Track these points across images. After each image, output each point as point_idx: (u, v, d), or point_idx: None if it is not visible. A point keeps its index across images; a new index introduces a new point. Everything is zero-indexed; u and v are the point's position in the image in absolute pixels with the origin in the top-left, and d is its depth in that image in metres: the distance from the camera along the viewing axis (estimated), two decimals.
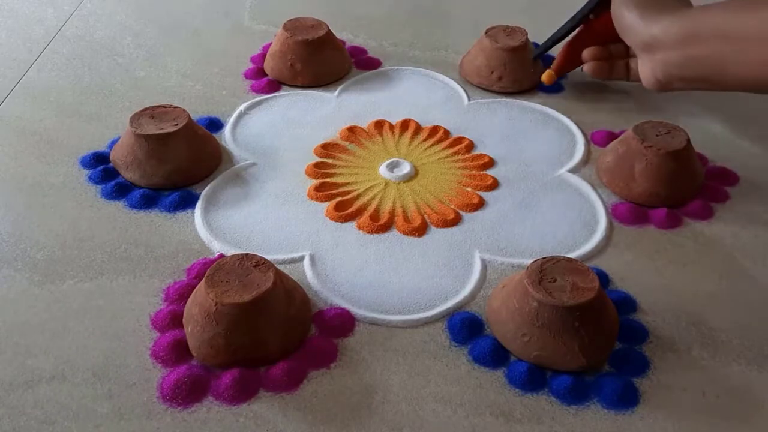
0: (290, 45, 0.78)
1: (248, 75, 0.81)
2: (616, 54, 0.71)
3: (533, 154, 0.70)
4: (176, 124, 0.65)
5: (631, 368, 0.50)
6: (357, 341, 0.52)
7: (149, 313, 0.54)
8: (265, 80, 0.80)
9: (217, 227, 0.61)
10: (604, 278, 0.57)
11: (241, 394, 0.48)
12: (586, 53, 0.67)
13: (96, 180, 0.66)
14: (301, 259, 0.59)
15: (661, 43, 0.56)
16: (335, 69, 0.81)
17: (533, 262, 0.52)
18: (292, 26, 0.79)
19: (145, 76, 0.81)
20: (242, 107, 0.76)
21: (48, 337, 0.52)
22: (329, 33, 0.80)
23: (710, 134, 0.73)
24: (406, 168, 0.67)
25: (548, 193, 0.66)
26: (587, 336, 0.49)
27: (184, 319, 0.52)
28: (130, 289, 0.56)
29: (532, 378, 0.49)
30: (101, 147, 0.70)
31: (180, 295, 0.55)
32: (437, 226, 0.62)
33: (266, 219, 0.63)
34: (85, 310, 0.54)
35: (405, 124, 0.74)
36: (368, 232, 0.61)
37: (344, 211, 0.63)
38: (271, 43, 0.82)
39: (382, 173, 0.67)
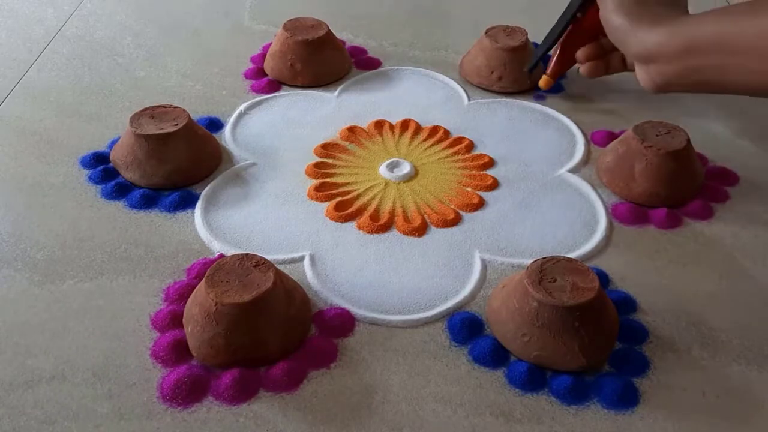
0: (290, 45, 0.78)
1: (248, 75, 0.81)
2: (610, 47, 0.69)
3: (533, 154, 0.70)
4: (176, 124, 0.65)
5: (631, 368, 0.50)
6: (357, 341, 0.52)
7: (149, 313, 0.54)
8: (265, 80, 0.80)
9: (217, 227, 0.61)
10: (604, 278, 0.57)
11: (241, 394, 0.48)
12: (581, 54, 0.66)
13: (96, 180, 0.66)
14: (301, 259, 0.59)
15: (658, 56, 0.54)
16: (335, 69, 0.81)
17: (533, 262, 0.52)
18: (292, 26, 0.79)
19: (145, 76, 0.81)
20: (242, 107, 0.76)
21: (48, 337, 0.52)
22: (329, 33, 0.80)
23: (710, 134, 0.73)
24: (406, 168, 0.67)
25: (548, 193, 0.66)
26: (587, 336, 0.49)
27: (184, 319, 0.52)
28: (130, 289, 0.56)
29: (532, 378, 0.49)
30: (101, 147, 0.70)
31: (180, 295, 0.55)
32: (437, 226, 0.62)
33: (266, 219, 0.63)
34: (85, 310, 0.54)
35: (405, 124, 0.74)
36: (368, 232, 0.61)
37: (344, 211, 0.63)
38: (271, 43, 0.82)
39: (382, 173, 0.67)
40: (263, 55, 0.83)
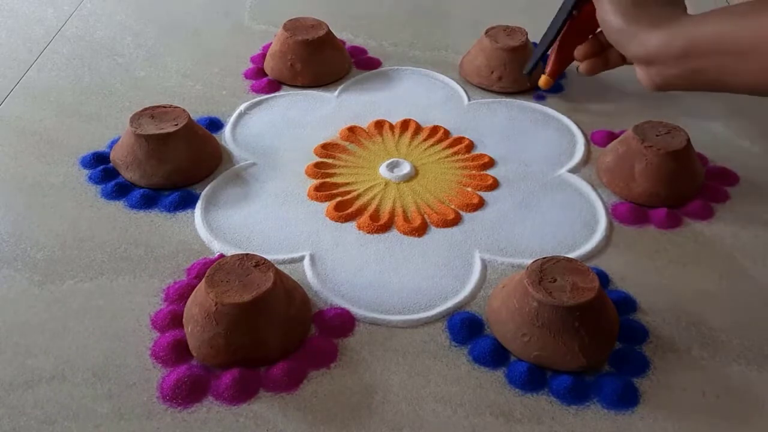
0: (290, 45, 0.78)
1: (248, 75, 0.81)
2: (608, 43, 0.68)
3: (533, 154, 0.70)
4: (176, 124, 0.65)
5: (631, 368, 0.50)
6: (357, 341, 0.52)
7: (149, 313, 0.54)
8: (265, 80, 0.80)
9: (217, 227, 0.61)
10: (604, 278, 0.57)
11: (241, 394, 0.48)
12: (579, 53, 0.66)
13: (96, 180, 0.66)
14: (301, 259, 0.59)
15: (659, 58, 0.53)
16: (335, 69, 0.81)
17: (533, 262, 0.52)
18: (292, 26, 0.79)
19: (145, 76, 0.81)
20: (242, 107, 0.76)
21: (48, 337, 0.52)
22: (329, 33, 0.80)
23: (710, 134, 0.73)
24: (406, 168, 0.67)
25: (548, 193, 0.66)
26: (587, 336, 0.49)
27: (184, 319, 0.52)
28: (130, 289, 0.56)
29: (532, 378, 0.49)
30: (101, 147, 0.70)
31: (180, 295, 0.55)
32: (437, 226, 0.62)
33: (266, 219, 0.63)
34: (85, 310, 0.54)
35: (405, 124, 0.74)
36: (368, 232, 0.61)
37: (344, 211, 0.63)
38: (271, 43, 0.82)
39: (382, 173, 0.67)
40: (263, 55, 0.83)
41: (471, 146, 0.71)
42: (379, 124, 0.74)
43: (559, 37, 0.67)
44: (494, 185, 0.66)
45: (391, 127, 0.74)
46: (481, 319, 0.54)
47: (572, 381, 0.49)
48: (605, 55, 0.64)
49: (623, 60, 0.68)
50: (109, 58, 0.84)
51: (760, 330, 0.53)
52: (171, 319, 0.53)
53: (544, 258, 0.52)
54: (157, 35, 0.88)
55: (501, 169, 0.68)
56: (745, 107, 0.77)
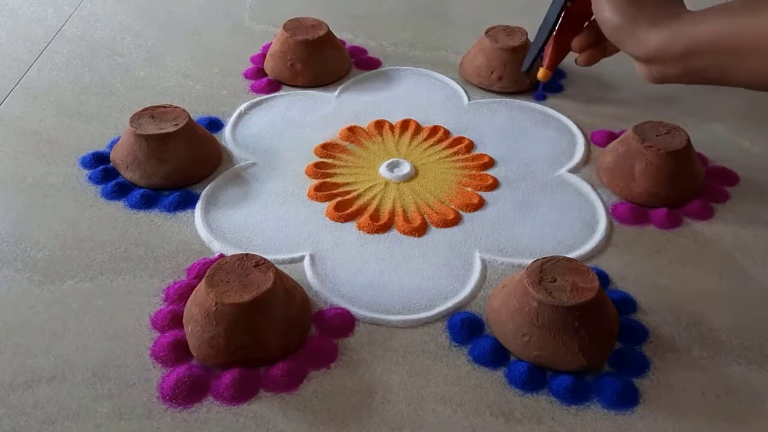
0: (290, 45, 0.78)
1: (248, 75, 0.81)
2: None
3: (533, 154, 0.70)
4: (176, 124, 0.65)
5: (631, 368, 0.50)
6: (357, 341, 0.52)
7: (149, 313, 0.54)
8: (265, 80, 0.80)
9: (217, 227, 0.61)
10: (604, 278, 0.57)
11: (241, 394, 0.48)
12: (576, 45, 0.65)
13: (96, 180, 0.66)
14: (301, 259, 0.59)
15: (659, 58, 0.53)
16: (335, 69, 0.81)
17: (533, 262, 0.52)
18: (292, 26, 0.79)
19: (145, 76, 0.81)
20: (242, 107, 0.76)
21: (48, 337, 0.52)
22: (329, 33, 0.80)
23: (710, 134, 0.73)
24: (406, 168, 0.67)
25: (548, 193, 0.66)
26: (587, 336, 0.49)
27: (184, 319, 0.52)
28: (130, 289, 0.56)
29: (532, 378, 0.49)
30: (101, 147, 0.70)
31: (180, 295, 0.55)
32: (437, 226, 0.62)
33: (266, 219, 0.63)
34: (85, 310, 0.54)
35: (405, 124, 0.74)
36: (368, 232, 0.61)
37: (344, 211, 0.63)
38: (271, 43, 0.82)
39: (382, 173, 0.67)
40: (263, 55, 0.83)
41: (471, 146, 0.71)
42: (379, 124, 0.74)
43: (555, 30, 0.67)
44: (494, 185, 0.66)
45: (391, 127, 0.74)
46: (481, 319, 0.54)
47: (572, 381, 0.49)
48: (602, 44, 0.63)
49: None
50: (109, 58, 0.84)
51: (760, 330, 0.53)
52: (171, 319, 0.53)
53: (544, 258, 0.52)
54: (157, 35, 0.88)
55: (501, 169, 0.68)
56: (745, 107, 0.77)
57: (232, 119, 0.74)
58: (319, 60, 0.79)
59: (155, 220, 0.62)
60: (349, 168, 0.68)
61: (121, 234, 0.60)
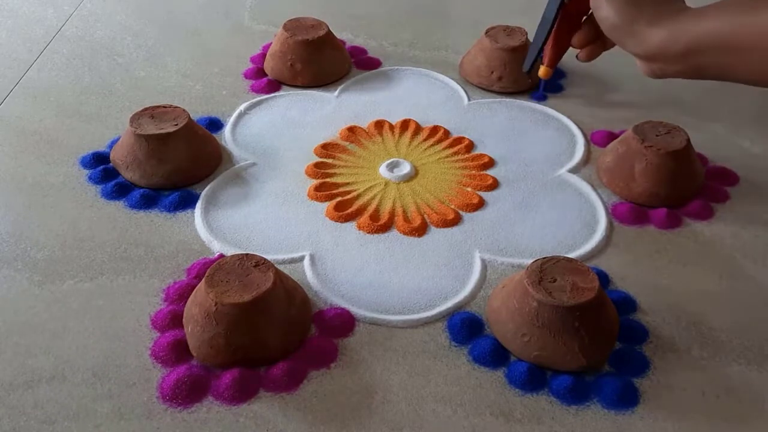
0: (290, 45, 0.78)
1: (248, 75, 0.81)
2: None
3: (533, 154, 0.70)
4: (176, 124, 0.65)
5: (631, 368, 0.50)
6: (357, 341, 0.52)
7: (149, 313, 0.54)
8: (265, 80, 0.80)
9: (217, 227, 0.61)
10: (604, 278, 0.57)
11: (241, 394, 0.48)
12: (576, 41, 0.65)
13: (96, 180, 0.66)
14: (301, 259, 0.59)
15: (659, 57, 0.53)
16: (335, 69, 0.81)
17: (533, 262, 0.52)
18: (292, 26, 0.79)
19: (145, 76, 0.81)
20: (242, 107, 0.76)
21: (48, 337, 0.52)
22: (329, 33, 0.80)
23: (710, 134, 0.73)
24: (406, 168, 0.67)
25: (548, 193, 0.66)
26: (587, 336, 0.49)
27: (184, 319, 0.52)
28: (130, 289, 0.56)
29: (532, 378, 0.49)
30: (101, 147, 0.70)
31: (180, 295, 0.55)
32: (437, 226, 0.62)
33: (266, 219, 0.63)
34: (85, 310, 0.54)
35: (405, 124, 0.74)
36: (368, 232, 0.61)
37: (344, 211, 0.63)
38: (271, 43, 0.82)
39: (382, 173, 0.67)
40: (263, 55, 0.83)
41: (471, 146, 0.71)
42: (379, 124, 0.74)
43: (554, 28, 0.67)
44: (494, 185, 0.66)
45: (391, 127, 0.74)
46: (481, 319, 0.54)
47: (572, 381, 0.49)
48: (602, 39, 0.63)
49: None
50: (109, 58, 0.84)
51: (760, 330, 0.53)
52: (171, 319, 0.53)
53: (544, 258, 0.52)
54: (157, 35, 0.88)
55: (501, 169, 0.68)
56: (745, 107, 0.77)
57: (232, 119, 0.74)
58: (319, 60, 0.79)
59: (155, 220, 0.62)
60: (349, 168, 0.68)
61: (121, 234, 0.60)
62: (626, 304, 0.55)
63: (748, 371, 0.51)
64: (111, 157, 0.68)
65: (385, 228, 0.62)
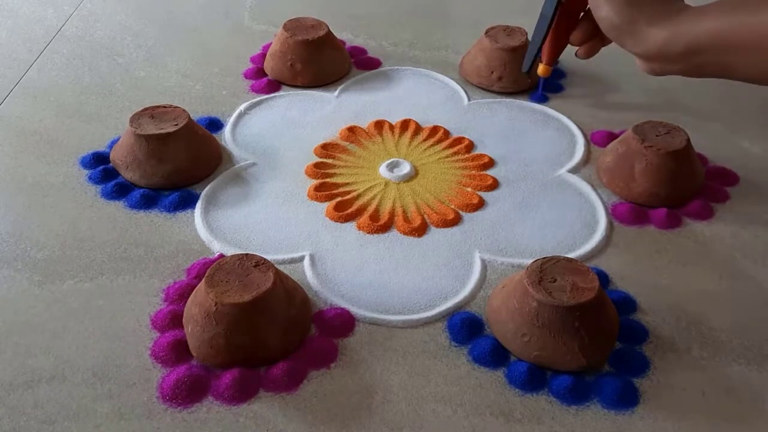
0: (290, 45, 0.78)
1: (248, 75, 0.81)
2: None
3: (533, 154, 0.70)
4: (176, 124, 0.65)
5: (631, 368, 0.50)
6: (357, 341, 0.52)
7: (149, 313, 0.54)
8: (265, 80, 0.80)
9: (217, 227, 0.61)
10: (604, 278, 0.57)
11: (241, 394, 0.48)
12: (575, 39, 0.65)
13: (96, 180, 0.66)
14: (301, 259, 0.59)
15: (659, 57, 0.53)
16: (335, 69, 0.81)
17: (533, 262, 0.52)
18: (292, 26, 0.79)
19: (145, 76, 0.81)
20: (242, 107, 0.76)
21: (48, 337, 0.52)
22: (329, 33, 0.80)
23: (710, 134, 0.73)
24: (406, 168, 0.67)
25: (548, 193, 0.66)
26: (587, 336, 0.49)
27: (184, 319, 0.52)
28: (130, 289, 0.56)
29: (532, 378, 0.49)
30: (101, 147, 0.70)
31: (180, 295, 0.55)
32: (437, 226, 0.62)
33: (266, 219, 0.63)
34: (85, 310, 0.54)
35: (405, 124, 0.74)
36: (368, 232, 0.61)
37: (344, 211, 0.63)
38: (271, 43, 0.82)
39: (382, 173, 0.67)
40: (263, 55, 0.83)
41: (471, 146, 0.71)
42: (379, 124, 0.74)
43: (552, 26, 0.66)
44: (494, 185, 0.66)
45: (391, 127, 0.74)
46: (481, 319, 0.54)
47: (572, 381, 0.49)
48: (600, 35, 0.63)
49: None
50: (109, 58, 0.84)
51: (760, 330, 0.53)
52: (171, 319, 0.53)
53: (544, 258, 0.52)
54: (157, 35, 0.88)
55: (501, 169, 0.68)
56: (745, 107, 0.77)
57: (232, 119, 0.74)
58: (319, 60, 0.79)
59: (155, 220, 0.62)
60: (349, 168, 0.68)
61: (121, 234, 0.60)
62: (626, 304, 0.55)
63: (748, 371, 0.51)
64: (111, 157, 0.68)
65: (385, 228, 0.62)
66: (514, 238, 0.61)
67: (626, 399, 0.48)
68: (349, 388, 0.49)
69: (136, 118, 0.65)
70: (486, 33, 0.79)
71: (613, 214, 0.64)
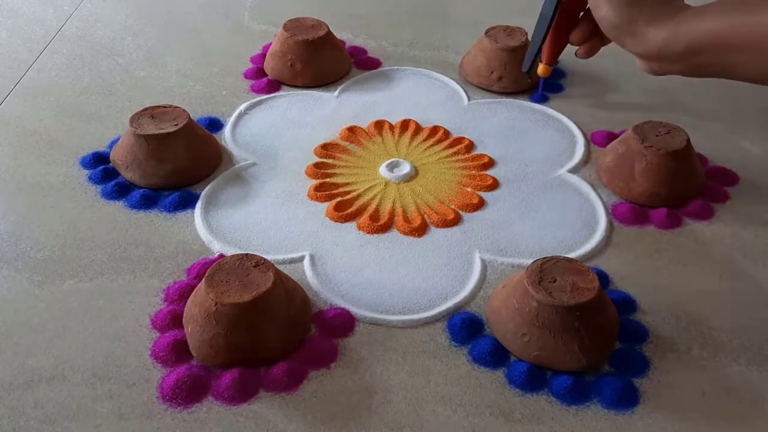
0: (290, 45, 0.78)
1: (248, 75, 0.81)
2: None
3: (533, 154, 0.70)
4: (176, 124, 0.65)
5: (631, 368, 0.50)
6: (357, 341, 0.52)
7: (149, 313, 0.54)
8: (265, 80, 0.80)
9: (217, 227, 0.61)
10: (604, 278, 0.57)
11: (241, 394, 0.48)
12: (574, 38, 0.65)
13: (96, 180, 0.66)
14: (301, 259, 0.59)
15: (659, 57, 0.53)
16: (335, 69, 0.81)
17: (533, 262, 0.52)
18: (292, 26, 0.79)
19: (145, 76, 0.81)
20: (242, 107, 0.76)
21: (48, 337, 0.52)
22: (329, 33, 0.80)
23: (710, 134, 0.73)
24: (406, 168, 0.67)
25: (548, 193, 0.66)
26: (587, 336, 0.49)
27: (184, 319, 0.52)
28: (130, 289, 0.56)
29: (532, 378, 0.49)
30: (101, 147, 0.70)
31: (180, 295, 0.55)
32: (437, 226, 0.62)
33: (266, 219, 0.63)
34: (85, 310, 0.54)
35: (405, 124, 0.74)
36: (368, 232, 0.61)
37: (344, 211, 0.63)
38: (271, 43, 0.82)
39: (382, 173, 0.67)
40: (263, 55, 0.83)
41: (471, 146, 0.71)
42: (379, 124, 0.74)
43: (551, 26, 0.66)
44: (494, 185, 0.66)
45: (391, 127, 0.74)
46: (481, 319, 0.54)
47: (572, 381, 0.49)
48: (600, 34, 0.63)
49: None
50: (109, 58, 0.84)
51: (760, 330, 0.53)
52: (171, 319, 0.53)
53: (544, 258, 0.52)
54: (157, 35, 0.88)
55: (501, 169, 0.68)
56: (745, 107, 0.77)
57: (232, 119, 0.74)
58: (319, 60, 0.79)
59: (155, 220, 0.62)
60: (349, 168, 0.68)
61: (121, 234, 0.60)
62: (626, 304, 0.55)
63: (748, 371, 0.51)
64: (111, 157, 0.68)
65: (385, 228, 0.62)
66: (514, 238, 0.61)
67: (626, 399, 0.48)
68: (349, 388, 0.49)
69: (136, 118, 0.65)
70: (486, 33, 0.79)
71: (613, 214, 0.64)
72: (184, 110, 0.67)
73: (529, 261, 0.52)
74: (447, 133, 0.73)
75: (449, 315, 0.54)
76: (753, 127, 0.74)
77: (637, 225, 0.63)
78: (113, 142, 0.69)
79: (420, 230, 0.61)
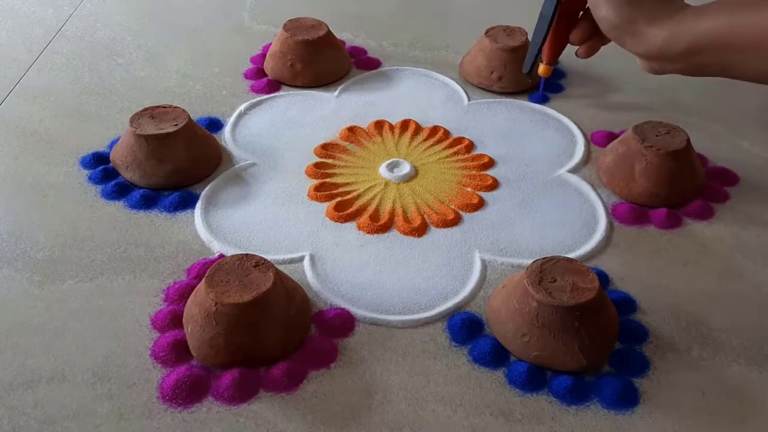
0: (290, 45, 0.78)
1: (248, 75, 0.81)
2: None
3: (533, 154, 0.70)
4: (176, 124, 0.65)
5: (631, 368, 0.50)
6: (357, 341, 0.52)
7: (149, 313, 0.54)
8: (265, 80, 0.80)
9: (217, 227, 0.61)
10: (604, 278, 0.57)
11: (241, 394, 0.48)
12: (574, 38, 0.65)
13: (96, 180, 0.66)
14: (301, 259, 0.59)
15: (659, 57, 0.53)
16: (335, 69, 0.81)
17: (533, 262, 0.52)
18: (292, 26, 0.79)
19: (145, 76, 0.81)
20: (242, 107, 0.76)
21: (48, 337, 0.52)
22: (329, 33, 0.80)
23: (710, 134, 0.73)
24: (406, 168, 0.67)
25: (548, 193, 0.66)
26: (587, 336, 0.49)
27: (184, 319, 0.52)
28: (130, 289, 0.56)
29: (532, 378, 0.49)
30: (101, 147, 0.70)
31: (180, 295, 0.55)
32: (437, 226, 0.62)
33: (266, 219, 0.63)
34: (85, 310, 0.54)
35: (405, 124, 0.74)
36: (368, 232, 0.61)
37: (344, 211, 0.63)
38: (271, 43, 0.82)
39: (382, 173, 0.67)
40: (263, 55, 0.83)
41: (471, 146, 0.71)
42: (379, 124, 0.74)
43: (551, 26, 0.66)
44: (494, 185, 0.66)
45: (391, 127, 0.74)
46: (481, 319, 0.54)
47: (572, 381, 0.49)
48: (600, 34, 0.63)
49: None
50: (109, 58, 0.84)
51: (760, 330, 0.53)
52: (171, 319, 0.53)
53: (544, 258, 0.52)
54: (157, 35, 0.88)
55: (501, 169, 0.68)
56: (745, 107, 0.77)
57: (231, 119, 0.74)
58: (319, 60, 0.79)
59: (155, 220, 0.62)
60: (349, 168, 0.68)
61: (121, 234, 0.60)
62: (626, 304, 0.55)
63: (748, 371, 0.51)
64: (111, 157, 0.68)
65: (385, 228, 0.62)
66: (514, 238, 0.61)
67: (626, 399, 0.48)
68: (349, 388, 0.49)
69: (136, 118, 0.65)
70: (486, 33, 0.79)
71: (613, 214, 0.64)
72: (184, 110, 0.67)
73: (529, 261, 0.52)
74: (447, 133, 0.73)
75: (449, 315, 0.54)
76: (753, 127, 0.74)
77: (637, 225, 0.63)
78: (113, 142, 0.69)
79: (420, 230, 0.61)
